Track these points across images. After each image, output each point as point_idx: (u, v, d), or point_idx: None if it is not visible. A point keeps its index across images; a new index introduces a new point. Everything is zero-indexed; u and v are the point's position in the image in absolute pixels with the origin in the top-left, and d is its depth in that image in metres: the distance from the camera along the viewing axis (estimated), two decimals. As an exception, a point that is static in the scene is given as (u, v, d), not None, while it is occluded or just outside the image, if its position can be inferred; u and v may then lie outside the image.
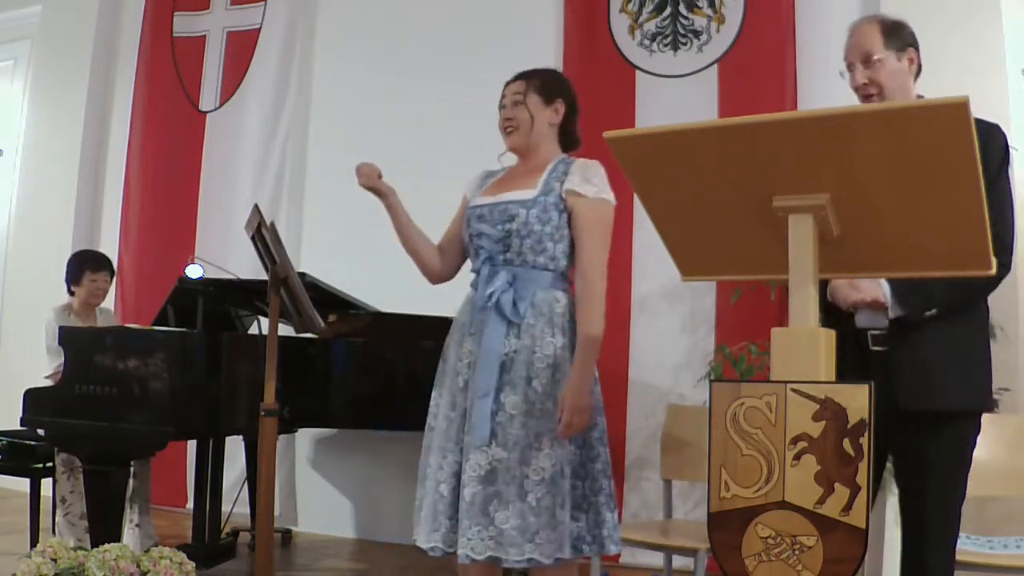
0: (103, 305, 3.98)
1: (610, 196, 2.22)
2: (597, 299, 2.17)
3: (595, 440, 2.19)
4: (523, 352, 2.15)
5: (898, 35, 2.02)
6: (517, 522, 2.05)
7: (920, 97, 2.01)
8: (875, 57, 1.99)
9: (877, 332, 1.97)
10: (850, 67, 2.04)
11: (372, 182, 2.31)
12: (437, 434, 2.21)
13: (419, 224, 2.40)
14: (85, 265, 3.85)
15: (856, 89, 2.04)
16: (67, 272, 3.88)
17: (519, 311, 2.16)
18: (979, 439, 2.01)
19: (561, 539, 2.07)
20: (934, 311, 1.92)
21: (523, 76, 2.35)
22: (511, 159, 2.38)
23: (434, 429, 2.24)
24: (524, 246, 2.19)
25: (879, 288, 1.95)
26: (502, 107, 2.34)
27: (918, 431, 1.95)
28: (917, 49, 2.04)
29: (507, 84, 2.36)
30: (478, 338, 2.19)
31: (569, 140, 2.37)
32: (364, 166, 2.31)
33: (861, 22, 2.09)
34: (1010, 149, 1.97)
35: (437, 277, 2.44)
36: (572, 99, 2.36)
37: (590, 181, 2.20)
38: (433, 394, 2.29)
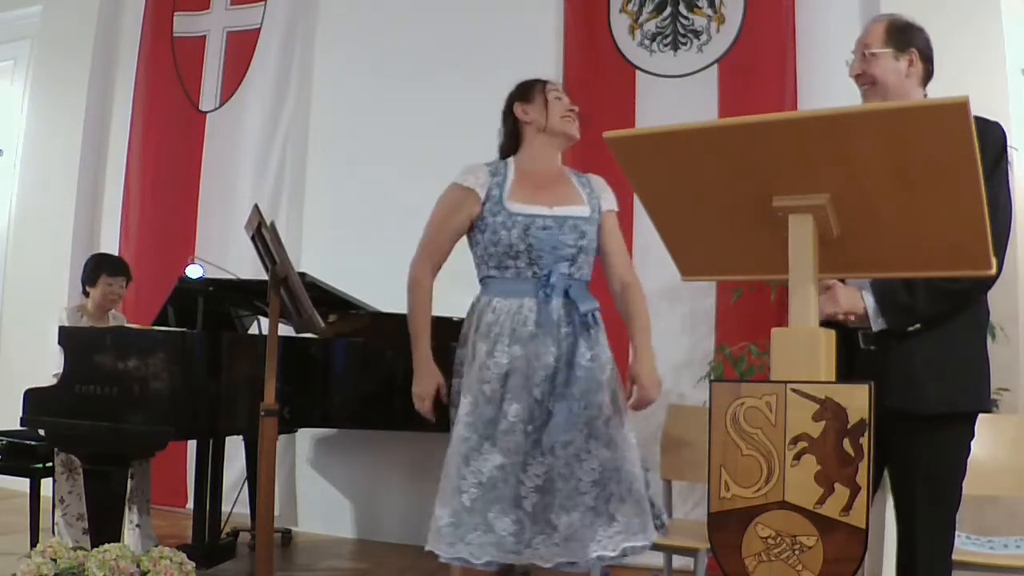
0: (115, 311, 3.94)
1: None
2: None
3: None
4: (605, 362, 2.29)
5: (902, 36, 2.03)
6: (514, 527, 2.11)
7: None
8: (871, 50, 2.02)
9: (869, 332, 1.97)
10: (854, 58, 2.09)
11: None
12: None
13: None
14: (102, 268, 3.81)
15: (853, 77, 2.09)
16: (83, 273, 3.85)
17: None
18: (979, 439, 2.00)
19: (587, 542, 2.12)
20: (917, 325, 1.92)
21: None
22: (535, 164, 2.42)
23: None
24: (587, 261, 2.30)
25: (859, 300, 1.94)
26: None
27: (909, 432, 1.94)
28: (924, 54, 2.04)
29: None
30: (562, 348, 2.20)
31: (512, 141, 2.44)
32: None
33: (873, 19, 2.13)
34: (1008, 147, 1.97)
35: None
36: (520, 95, 2.40)
37: (611, 196, 2.40)
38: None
